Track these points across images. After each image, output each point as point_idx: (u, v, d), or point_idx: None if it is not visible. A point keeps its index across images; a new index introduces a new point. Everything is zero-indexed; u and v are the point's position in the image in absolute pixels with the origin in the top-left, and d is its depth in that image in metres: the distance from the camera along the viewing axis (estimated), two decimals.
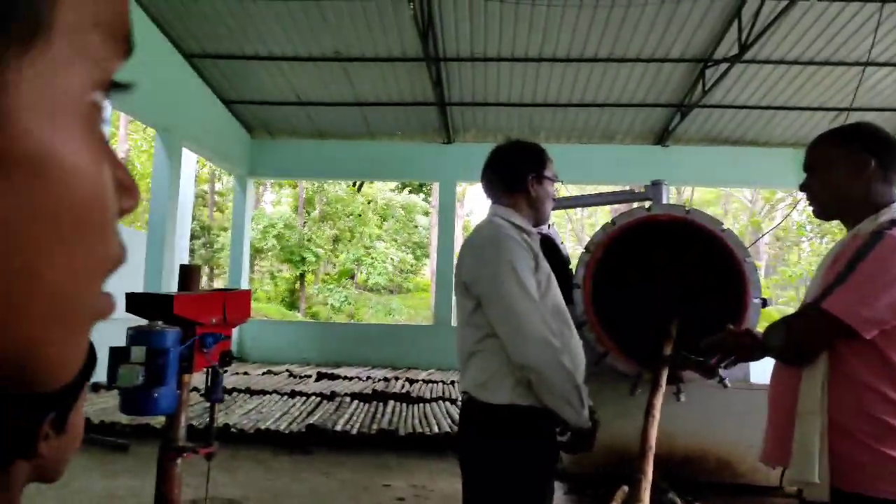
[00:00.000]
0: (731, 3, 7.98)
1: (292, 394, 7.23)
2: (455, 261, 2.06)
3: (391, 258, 21.69)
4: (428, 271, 23.70)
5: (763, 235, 18.25)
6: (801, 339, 1.38)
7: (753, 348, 1.58)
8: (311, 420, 5.71)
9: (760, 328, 2.95)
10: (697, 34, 8.66)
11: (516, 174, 1.88)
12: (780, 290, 21.64)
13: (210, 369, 2.61)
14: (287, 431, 5.34)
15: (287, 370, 9.61)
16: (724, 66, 8.87)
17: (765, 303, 4.02)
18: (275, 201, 24.44)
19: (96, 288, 0.28)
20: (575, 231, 25.31)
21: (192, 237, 18.23)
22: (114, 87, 0.29)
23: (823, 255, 1.60)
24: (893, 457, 1.31)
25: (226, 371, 2.69)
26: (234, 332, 4.02)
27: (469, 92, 10.46)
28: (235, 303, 2.74)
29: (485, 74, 9.89)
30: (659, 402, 3.56)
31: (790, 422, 1.45)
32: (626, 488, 3.47)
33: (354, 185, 20.77)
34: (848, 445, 1.36)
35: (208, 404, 2.81)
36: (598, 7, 8.10)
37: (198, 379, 3.03)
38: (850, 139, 1.54)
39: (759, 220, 21.70)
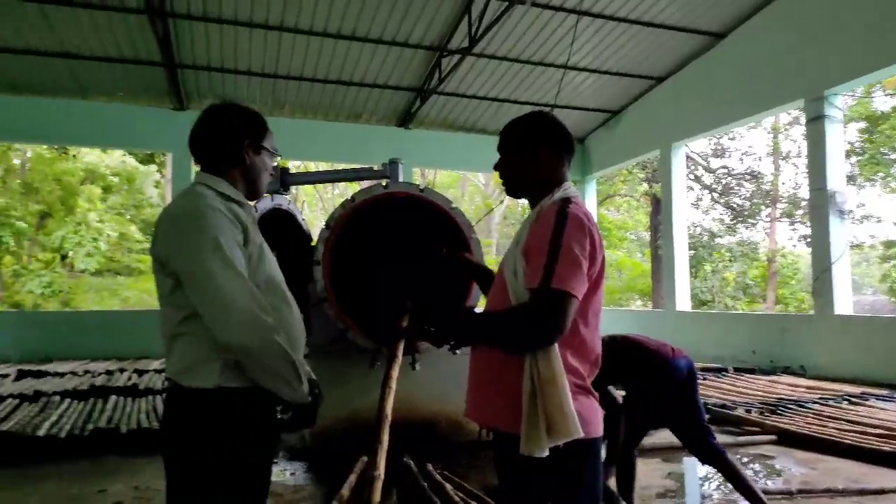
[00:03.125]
0: None
1: None
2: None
3: (108, 235, 18.37)
4: None
5: (486, 215, 20.25)
6: (557, 320, 1.45)
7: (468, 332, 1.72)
8: (5, 427, 4.79)
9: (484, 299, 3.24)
10: (434, 23, 9.16)
11: (231, 140, 1.71)
12: None
13: None
14: None
15: None
16: (457, 56, 9.55)
17: None
18: None
19: None
20: (326, 209, 25.20)
21: None
22: None
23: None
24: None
25: None
26: None
27: (203, 55, 9.63)
28: None
29: (221, 37, 9.18)
30: (395, 372, 3.69)
31: (489, 383, 1.63)
32: (365, 459, 3.56)
33: (66, 149, 17.74)
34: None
35: None
36: None
37: None
38: (528, 126, 1.75)
39: (492, 203, 23.98)
